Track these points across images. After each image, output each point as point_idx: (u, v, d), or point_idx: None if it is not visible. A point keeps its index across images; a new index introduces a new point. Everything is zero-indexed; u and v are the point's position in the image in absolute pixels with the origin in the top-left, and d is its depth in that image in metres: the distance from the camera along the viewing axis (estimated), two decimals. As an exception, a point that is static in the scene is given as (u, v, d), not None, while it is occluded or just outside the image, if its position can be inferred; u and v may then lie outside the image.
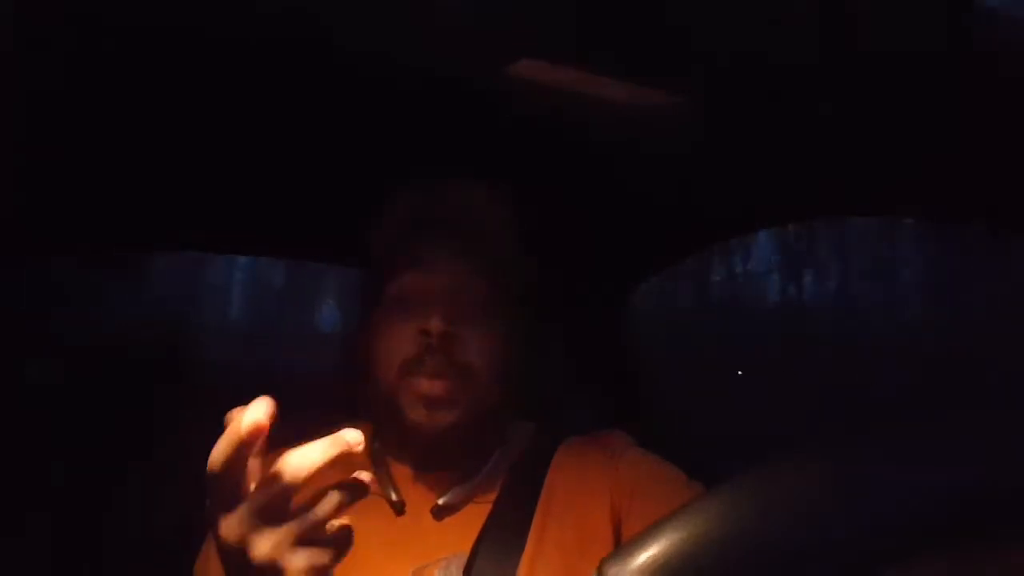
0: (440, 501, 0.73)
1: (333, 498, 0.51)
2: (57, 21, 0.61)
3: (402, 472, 0.77)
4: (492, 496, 0.75)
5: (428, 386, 0.70)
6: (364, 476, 0.53)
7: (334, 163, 1.00)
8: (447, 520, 0.74)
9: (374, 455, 0.79)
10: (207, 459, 0.50)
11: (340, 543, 0.52)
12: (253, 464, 0.51)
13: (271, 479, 0.49)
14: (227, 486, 0.49)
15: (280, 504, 0.49)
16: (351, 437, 0.51)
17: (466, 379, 0.72)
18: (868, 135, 0.80)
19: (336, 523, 0.52)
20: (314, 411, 0.65)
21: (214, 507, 0.49)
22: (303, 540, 0.50)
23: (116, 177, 0.98)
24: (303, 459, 0.49)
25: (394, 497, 0.74)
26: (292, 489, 0.49)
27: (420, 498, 0.74)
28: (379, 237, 0.79)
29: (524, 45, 0.67)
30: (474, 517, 0.73)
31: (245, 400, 0.52)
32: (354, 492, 0.52)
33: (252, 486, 0.51)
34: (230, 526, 0.48)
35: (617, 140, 0.93)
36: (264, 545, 0.48)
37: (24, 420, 1.11)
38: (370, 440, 0.80)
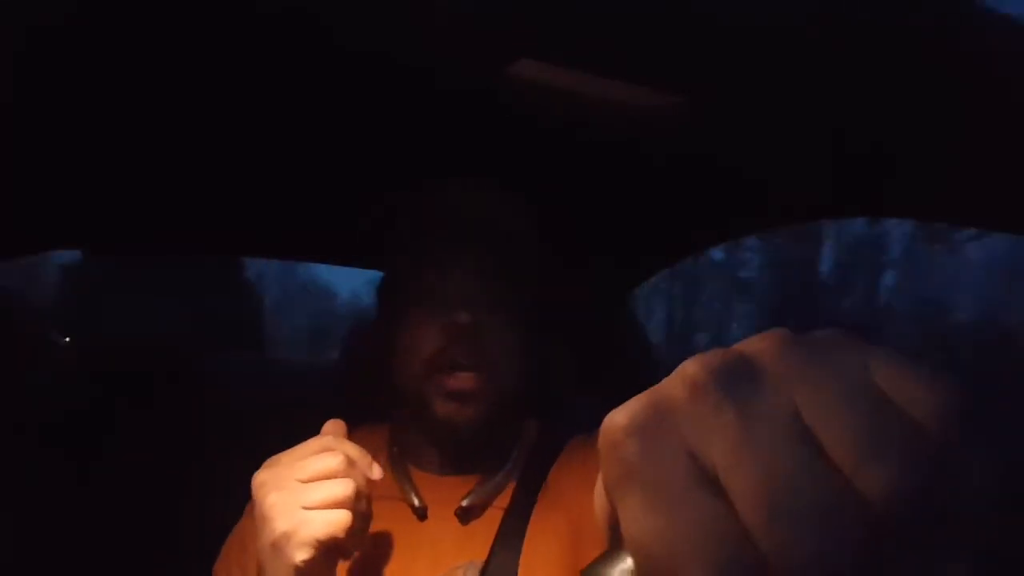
0: (464, 503, 0.73)
1: (346, 484, 0.59)
2: (58, 19, 0.61)
3: (422, 477, 0.77)
4: (508, 498, 0.76)
5: (455, 381, 0.72)
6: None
7: (334, 163, 1.00)
8: (468, 525, 0.74)
9: (392, 460, 0.79)
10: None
11: (330, 524, 0.57)
12: None
13: (314, 459, 0.59)
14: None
15: (311, 478, 0.59)
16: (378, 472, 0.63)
17: (490, 373, 0.73)
18: (867, 135, 0.80)
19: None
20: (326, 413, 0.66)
21: (269, 462, 0.61)
22: (312, 506, 0.58)
23: (118, 177, 0.98)
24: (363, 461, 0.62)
25: (416, 503, 0.74)
26: (328, 473, 0.59)
27: (441, 502, 0.74)
28: (400, 236, 0.80)
29: (524, 45, 0.67)
30: (493, 521, 0.74)
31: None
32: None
33: None
34: (264, 474, 0.59)
35: (617, 140, 0.93)
36: (278, 493, 0.58)
37: (26, 421, 1.11)
38: (388, 445, 0.81)
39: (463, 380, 0.72)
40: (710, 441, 0.19)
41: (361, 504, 0.60)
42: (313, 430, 0.64)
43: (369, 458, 0.63)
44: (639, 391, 0.22)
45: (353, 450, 0.62)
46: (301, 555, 0.56)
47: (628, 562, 0.21)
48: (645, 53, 0.69)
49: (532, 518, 0.73)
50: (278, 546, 0.56)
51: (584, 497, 0.74)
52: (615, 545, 0.22)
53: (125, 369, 1.26)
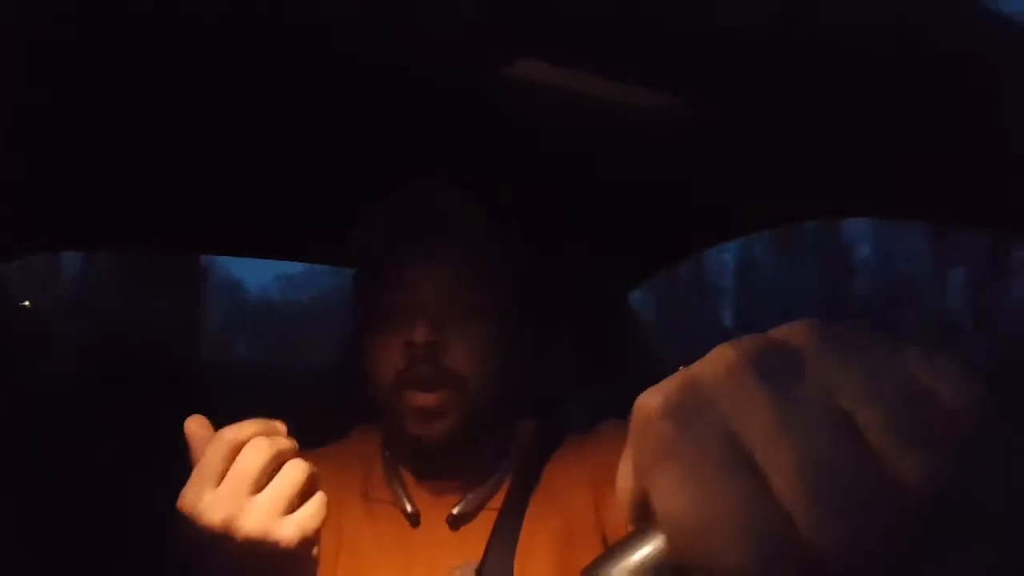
0: (455, 511, 0.72)
1: (298, 463, 0.53)
2: (59, 17, 0.61)
3: (414, 481, 0.76)
4: (502, 499, 0.75)
5: (421, 399, 0.69)
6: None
7: (332, 163, 1.00)
8: (463, 527, 0.73)
9: (385, 464, 0.78)
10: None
11: (318, 509, 0.53)
12: None
13: (247, 456, 0.50)
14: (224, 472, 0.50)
15: (263, 481, 0.50)
16: (281, 427, 0.54)
17: (458, 388, 0.70)
18: (868, 135, 0.80)
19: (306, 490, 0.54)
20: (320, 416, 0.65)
21: (196, 492, 0.50)
22: (287, 508, 0.51)
23: (117, 176, 0.98)
24: (277, 440, 0.52)
25: (409, 508, 0.73)
26: (273, 463, 0.51)
27: (434, 507, 0.73)
28: (363, 245, 0.78)
29: (524, 45, 0.67)
30: (487, 523, 0.73)
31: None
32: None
33: None
34: (213, 506, 0.49)
35: (617, 140, 0.93)
36: (253, 518, 0.49)
37: (25, 419, 1.11)
38: (381, 448, 0.80)
39: (428, 399, 0.69)
40: (748, 421, 0.19)
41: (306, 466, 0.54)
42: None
43: (260, 423, 0.53)
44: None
45: (247, 429, 0.52)
46: (304, 549, 0.52)
47: (629, 561, 0.21)
48: (644, 54, 0.69)
49: (526, 518, 0.73)
50: (276, 560, 0.51)
51: (578, 496, 0.73)
52: (640, 527, 0.22)
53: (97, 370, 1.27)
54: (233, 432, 0.51)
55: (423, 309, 0.70)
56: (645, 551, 0.21)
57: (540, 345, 0.93)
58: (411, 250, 0.73)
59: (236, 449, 0.50)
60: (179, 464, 0.53)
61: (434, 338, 0.68)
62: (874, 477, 0.18)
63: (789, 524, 0.18)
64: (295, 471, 0.52)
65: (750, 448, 0.19)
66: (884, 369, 0.19)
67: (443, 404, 0.69)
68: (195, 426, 0.52)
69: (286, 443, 0.52)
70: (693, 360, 0.22)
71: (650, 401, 0.21)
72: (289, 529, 0.50)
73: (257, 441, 0.51)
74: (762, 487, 0.18)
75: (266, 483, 0.51)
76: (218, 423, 0.52)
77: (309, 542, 0.52)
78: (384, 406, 0.72)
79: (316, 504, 0.53)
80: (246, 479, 0.49)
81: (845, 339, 0.20)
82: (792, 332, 0.21)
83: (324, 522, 0.53)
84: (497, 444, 0.78)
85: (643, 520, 0.22)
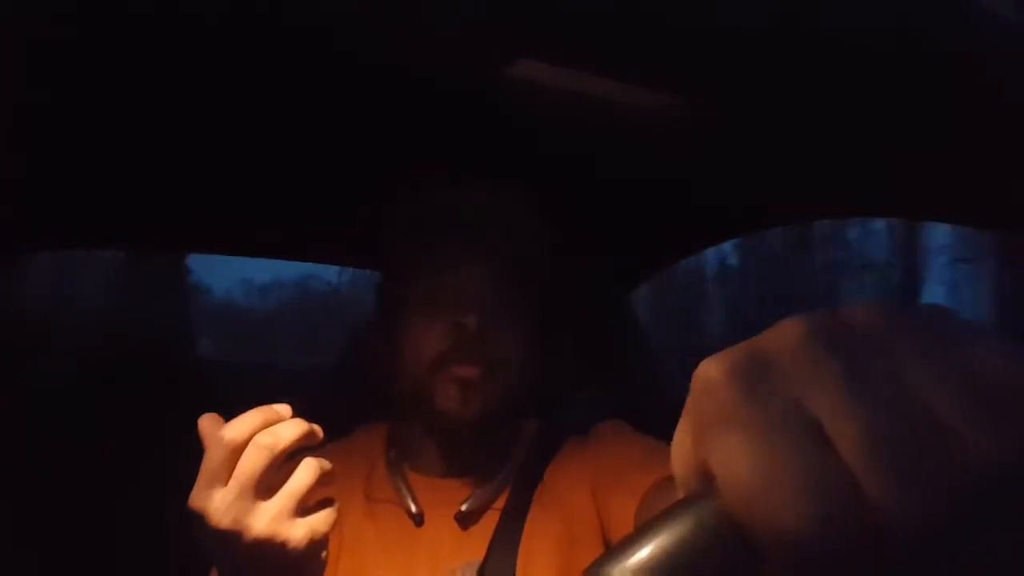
0: (463, 508, 0.73)
1: (311, 464, 0.52)
2: (59, 17, 0.61)
3: (420, 480, 0.77)
4: (505, 499, 0.75)
5: (462, 371, 0.71)
6: (317, 428, 0.53)
7: (332, 163, 1.00)
8: (465, 527, 0.74)
9: (390, 463, 0.78)
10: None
11: (329, 512, 0.53)
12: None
13: (249, 458, 0.49)
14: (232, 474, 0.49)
15: (269, 479, 0.50)
16: (285, 410, 0.52)
17: (495, 371, 0.73)
18: (868, 135, 0.80)
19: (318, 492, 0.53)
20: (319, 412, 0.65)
21: (204, 494, 0.49)
22: (297, 510, 0.50)
23: (117, 176, 0.98)
24: (280, 431, 0.50)
25: (413, 508, 0.74)
26: (277, 461, 0.50)
27: (437, 507, 0.74)
28: (401, 236, 0.79)
29: (524, 45, 0.67)
30: (490, 522, 0.74)
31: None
32: (313, 446, 0.53)
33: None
34: (221, 509, 0.48)
35: (617, 140, 0.93)
36: (262, 520, 0.49)
37: (25, 419, 1.11)
38: (385, 448, 0.80)
39: (469, 371, 0.72)
40: (814, 388, 0.19)
41: (320, 465, 0.53)
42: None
43: (262, 414, 0.51)
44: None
45: (246, 426, 0.50)
46: (314, 551, 0.52)
47: (630, 561, 0.21)
48: (644, 54, 0.69)
49: (528, 519, 0.73)
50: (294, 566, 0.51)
51: (579, 497, 0.74)
52: (698, 496, 0.22)
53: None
54: (232, 432, 0.49)
55: (471, 295, 0.73)
56: (644, 551, 0.21)
57: (552, 341, 0.94)
58: (456, 240, 0.76)
59: (237, 450, 0.49)
60: (177, 463, 0.52)
61: (482, 322, 0.71)
62: (941, 447, 0.18)
63: (853, 487, 0.18)
64: (306, 473, 0.51)
65: (816, 414, 0.19)
66: (953, 348, 0.19)
67: (482, 379, 0.72)
68: (207, 424, 0.51)
69: (289, 433, 0.50)
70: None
71: (713, 367, 0.21)
72: (300, 531, 0.50)
73: (258, 440, 0.49)
74: (827, 452, 0.19)
75: (274, 480, 0.50)
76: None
77: (319, 544, 0.52)
78: (414, 386, 0.73)
79: (327, 508, 0.53)
80: (250, 482, 0.48)
81: (913, 318, 0.20)
82: (858, 310, 0.21)
83: (333, 524, 0.53)
84: (501, 444, 0.79)
85: (697, 487, 0.22)
